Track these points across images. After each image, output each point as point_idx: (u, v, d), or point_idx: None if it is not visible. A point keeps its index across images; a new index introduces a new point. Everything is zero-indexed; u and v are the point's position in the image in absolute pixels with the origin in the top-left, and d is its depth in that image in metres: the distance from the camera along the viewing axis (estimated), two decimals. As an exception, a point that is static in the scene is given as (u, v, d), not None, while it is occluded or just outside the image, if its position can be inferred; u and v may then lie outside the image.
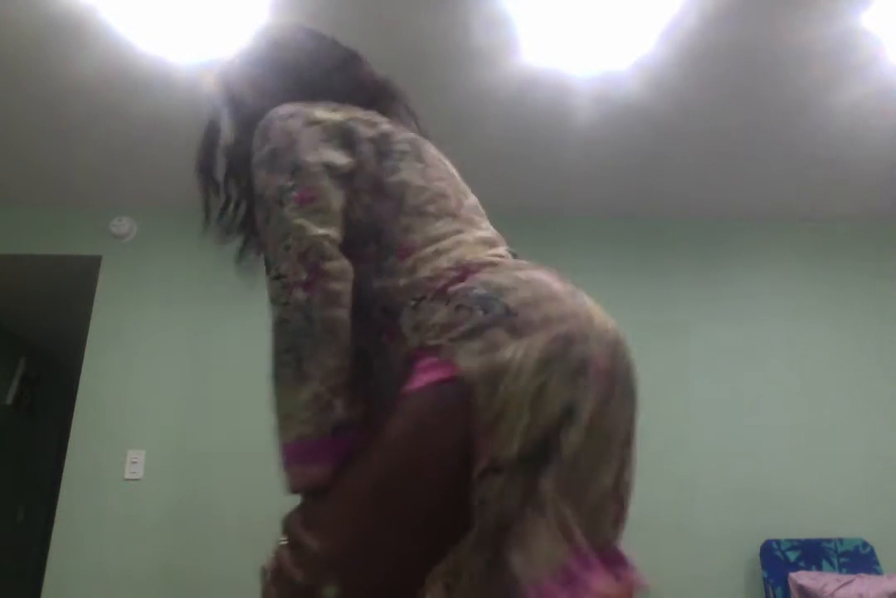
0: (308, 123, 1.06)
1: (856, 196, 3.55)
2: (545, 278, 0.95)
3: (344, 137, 1.07)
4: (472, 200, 1.16)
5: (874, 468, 3.25)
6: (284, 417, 0.90)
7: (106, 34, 2.47)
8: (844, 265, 3.67)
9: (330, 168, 1.02)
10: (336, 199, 1.01)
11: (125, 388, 3.20)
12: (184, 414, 3.16)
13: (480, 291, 0.90)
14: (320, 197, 0.99)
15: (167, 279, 3.41)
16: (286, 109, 1.09)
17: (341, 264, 0.95)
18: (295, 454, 0.89)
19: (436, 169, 1.13)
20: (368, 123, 1.11)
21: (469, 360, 0.84)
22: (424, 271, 0.97)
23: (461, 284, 0.93)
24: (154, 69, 2.63)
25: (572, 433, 0.82)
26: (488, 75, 2.70)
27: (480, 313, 0.88)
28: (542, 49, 2.58)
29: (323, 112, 1.09)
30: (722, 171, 3.34)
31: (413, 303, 0.95)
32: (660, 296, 3.55)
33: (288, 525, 0.88)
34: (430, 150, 1.18)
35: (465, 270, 0.96)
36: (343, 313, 0.93)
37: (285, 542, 0.86)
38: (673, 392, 3.34)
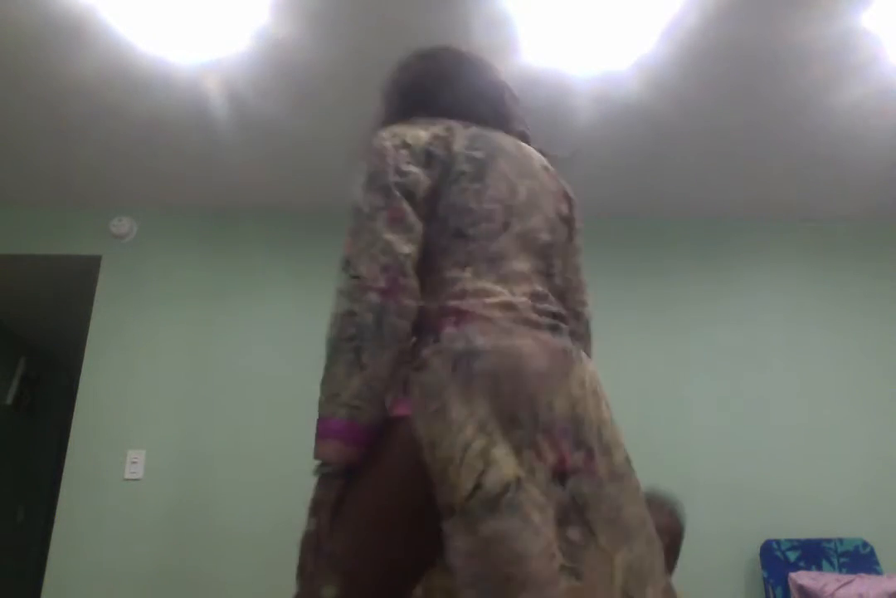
0: (399, 146, 1.16)
1: (856, 196, 3.55)
2: (526, 351, 1.02)
3: (426, 159, 1.17)
4: (525, 225, 1.19)
5: (874, 468, 3.25)
6: (332, 395, 1.01)
7: (106, 34, 2.46)
8: (844, 265, 3.67)
9: (412, 190, 1.13)
10: (416, 220, 1.11)
11: (125, 388, 3.20)
12: (184, 414, 3.16)
13: (460, 346, 1.01)
14: (406, 218, 1.10)
15: (167, 279, 3.41)
16: (385, 132, 1.20)
17: (414, 283, 1.07)
18: (341, 432, 1.00)
19: (495, 190, 1.18)
20: (445, 141, 1.19)
21: (420, 421, 0.97)
22: (437, 299, 1.09)
23: (453, 330, 1.03)
24: (154, 69, 2.63)
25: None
26: (488, 75, 2.69)
27: (450, 367, 0.98)
28: (543, 49, 2.58)
29: (414, 133, 1.19)
30: (722, 170, 3.34)
31: (420, 329, 1.07)
32: (660, 296, 3.55)
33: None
34: (501, 167, 1.22)
35: (462, 315, 1.05)
36: (408, 326, 1.05)
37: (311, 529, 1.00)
38: (673, 392, 3.34)
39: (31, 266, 3.57)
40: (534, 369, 1.01)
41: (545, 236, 1.20)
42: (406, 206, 1.11)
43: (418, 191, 1.13)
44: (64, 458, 3.11)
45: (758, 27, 2.50)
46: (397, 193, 1.11)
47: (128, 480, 3.03)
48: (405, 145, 1.16)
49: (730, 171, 3.34)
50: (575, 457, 0.99)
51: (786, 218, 3.71)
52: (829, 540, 3.05)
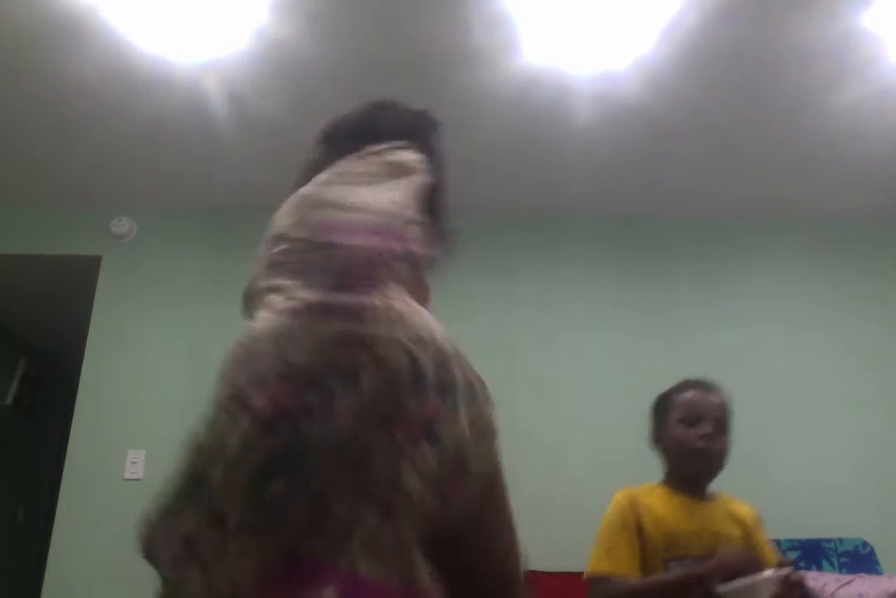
0: None
1: (856, 196, 3.55)
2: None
3: None
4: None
5: (874, 468, 3.25)
6: None
7: (106, 34, 2.47)
8: (844, 265, 3.67)
9: None
10: None
11: (125, 388, 3.19)
12: (184, 414, 3.14)
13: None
14: None
15: (167, 279, 3.41)
16: None
17: None
18: None
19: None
20: None
21: None
22: None
23: None
24: (154, 69, 2.63)
25: None
26: (488, 75, 2.70)
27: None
28: (542, 49, 2.58)
29: None
30: (722, 170, 3.34)
31: None
32: (659, 296, 3.55)
33: None
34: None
35: None
36: None
37: None
38: (673, 392, 3.33)
39: (31, 266, 3.57)
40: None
41: None
42: None
43: None
44: (64, 458, 3.11)
45: (758, 27, 2.50)
46: None
47: (128, 480, 3.02)
48: None
49: (729, 170, 3.34)
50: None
51: (786, 218, 3.71)
52: (829, 540, 3.05)
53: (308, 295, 1.08)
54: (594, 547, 1.65)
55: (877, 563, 2.99)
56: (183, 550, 0.93)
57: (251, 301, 1.28)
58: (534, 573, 1.04)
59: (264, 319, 1.10)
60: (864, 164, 3.26)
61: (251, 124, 2.92)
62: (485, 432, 1.04)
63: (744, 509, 1.79)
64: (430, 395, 0.98)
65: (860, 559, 3.00)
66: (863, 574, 2.86)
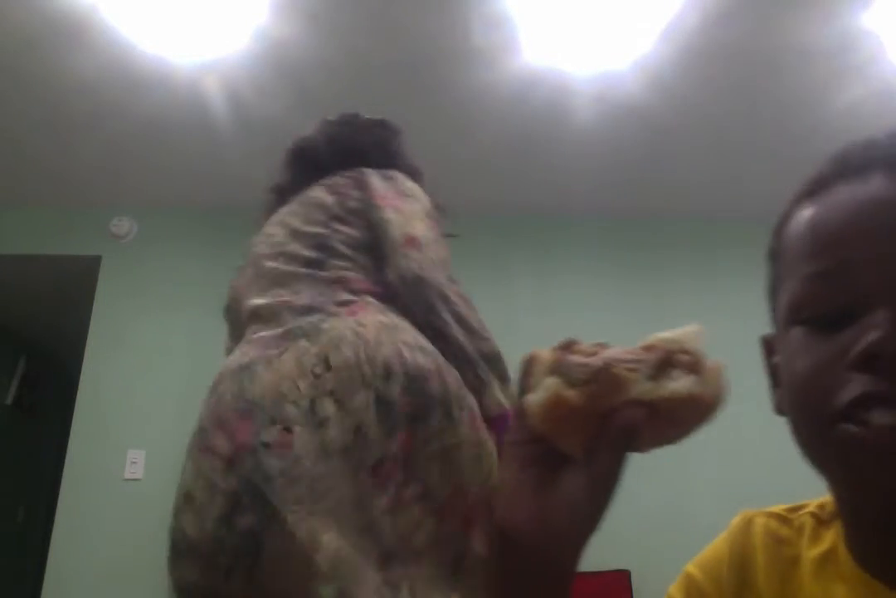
0: None
1: (856, 196, 3.54)
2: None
3: None
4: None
5: None
6: None
7: (107, 34, 2.46)
8: (844, 265, 3.66)
9: None
10: None
11: (125, 388, 3.19)
12: (184, 414, 3.13)
13: None
14: None
15: (167, 279, 3.41)
16: None
17: None
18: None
19: None
20: None
21: None
22: None
23: None
24: (155, 69, 2.63)
25: None
26: (488, 75, 2.70)
27: None
28: (542, 49, 2.58)
29: None
30: (722, 170, 3.34)
31: None
32: (659, 295, 3.55)
33: None
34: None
35: None
36: None
37: None
38: (673, 392, 3.33)
39: (31, 266, 3.57)
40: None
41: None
42: None
43: None
44: (64, 458, 3.11)
45: (757, 27, 2.50)
46: None
47: (128, 480, 3.02)
48: None
49: (730, 170, 3.34)
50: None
51: (786, 218, 3.70)
52: None
53: (277, 323, 1.11)
54: None
55: None
56: None
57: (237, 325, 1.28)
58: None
59: (236, 352, 1.14)
60: (864, 164, 3.25)
61: (251, 124, 2.92)
62: (473, 453, 1.03)
63: None
64: (400, 428, 0.98)
65: None
66: None
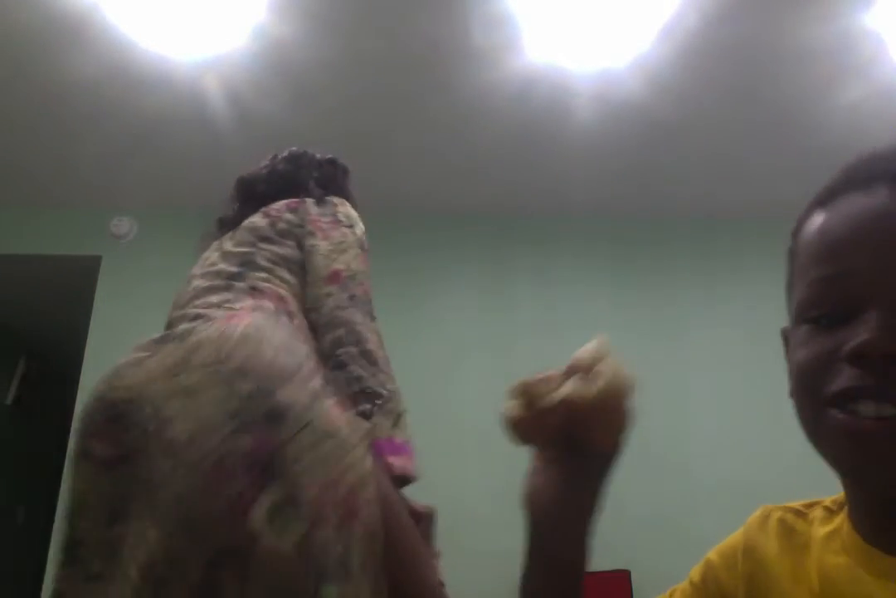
0: None
1: (856, 196, 3.54)
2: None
3: None
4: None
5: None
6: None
7: (107, 33, 2.46)
8: (845, 265, 3.66)
9: None
10: None
11: (125, 388, 3.19)
12: (184, 414, 3.15)
13: None
14: None
15: (167, 279, 3.38)
16: None
17: None
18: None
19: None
20: None
21: None
22: None
23: None
24: (155, 68, 2.63)
25: None
26: (489, 74, 2.70)
27: None
28: (543, 48, 2.58)
29: None
30: (722, 170, 3.34)
31: None
32: (659, 295, 3.55)
33: None
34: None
35: None
36: None
37: None
38: (673, 392, 3.33)
39: (31, 266, 3.57)
40: None
41: None
42: None
43: None
44: (64, 458, 3.11)
45: (757, 27, 2.50)
46: None
47: (128, 480, 3.02)
48: None
49: (730, 170, 3.34)
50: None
51: (786, 218, 3.67)
52: None
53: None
54: None
55: None
56: None
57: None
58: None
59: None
60: (865, 163, 3.25)
61: (251, 123, 2.92)
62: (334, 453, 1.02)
63: None
64: (256, 428, 0.98)
65: None
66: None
